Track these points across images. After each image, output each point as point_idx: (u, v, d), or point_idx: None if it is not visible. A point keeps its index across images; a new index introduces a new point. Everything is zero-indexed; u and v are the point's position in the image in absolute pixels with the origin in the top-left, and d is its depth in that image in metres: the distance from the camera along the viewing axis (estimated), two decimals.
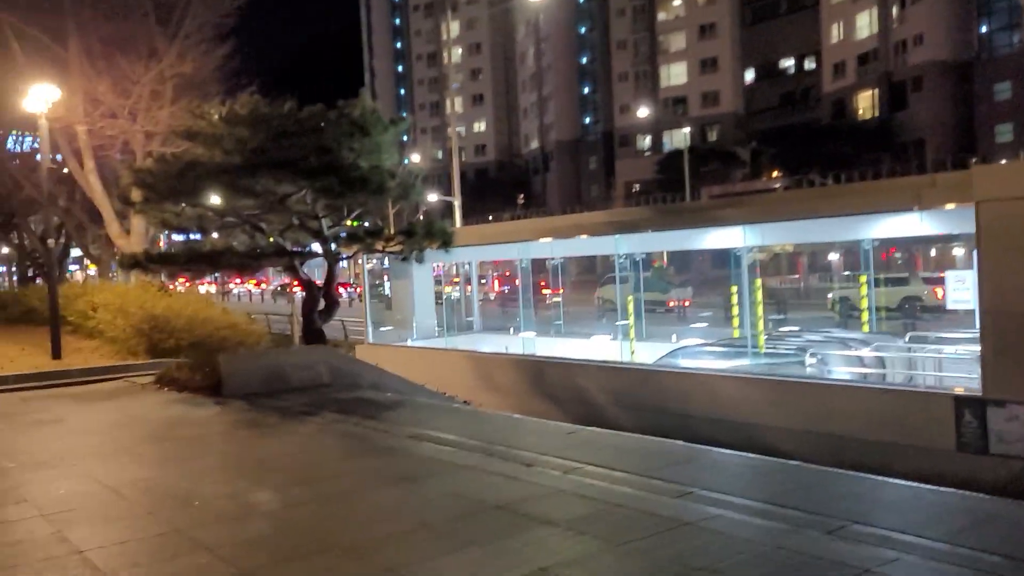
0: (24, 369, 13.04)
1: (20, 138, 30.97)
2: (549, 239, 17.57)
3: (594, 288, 34.84)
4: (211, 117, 11.87)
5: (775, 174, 54.79)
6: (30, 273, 40.10)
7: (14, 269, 44.60)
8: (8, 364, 13.46)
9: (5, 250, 44.20)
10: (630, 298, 17.04)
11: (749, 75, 66.09)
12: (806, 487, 5.59)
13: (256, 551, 4.72)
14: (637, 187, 67.00)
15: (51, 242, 16.48)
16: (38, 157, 24.61)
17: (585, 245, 18.91)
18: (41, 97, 14.47)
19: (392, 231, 13.14)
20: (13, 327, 19.78)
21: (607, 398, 13.28)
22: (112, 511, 5.67)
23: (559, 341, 19.19)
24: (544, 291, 27.38)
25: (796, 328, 18.57)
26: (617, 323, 17.43)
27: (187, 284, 31.20)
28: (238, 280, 60.91)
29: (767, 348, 14.27)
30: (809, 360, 13.02)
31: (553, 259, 21.80)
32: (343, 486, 6.14)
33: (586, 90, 78.71)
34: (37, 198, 26.02)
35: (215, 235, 13.93)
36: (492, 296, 37.92)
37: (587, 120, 79.20)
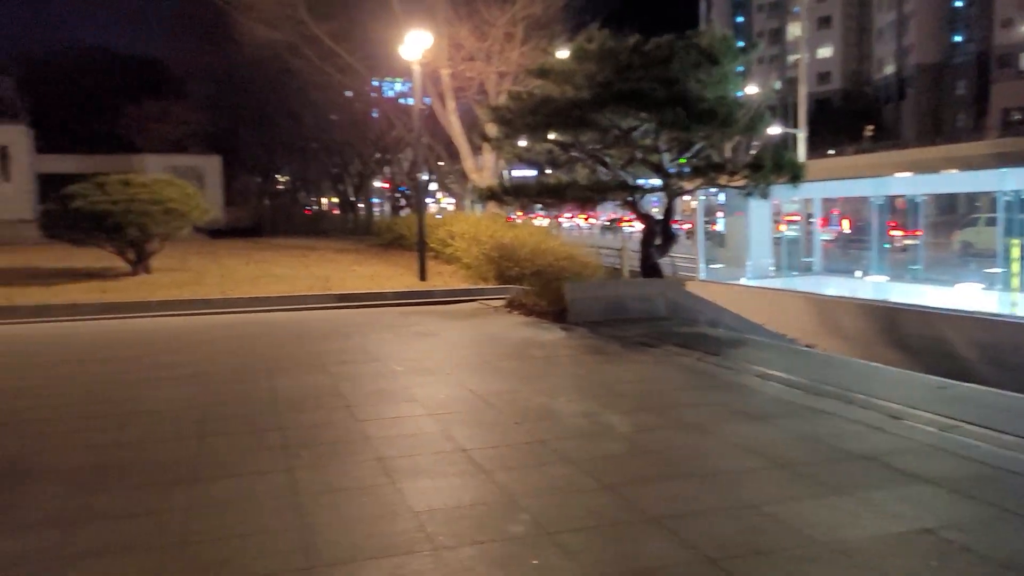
0: (398, 288, 14.89)
1: (390, 84, 34.93)
2: (909, 174, 15.83)
3: (952, 230, 30.95)
4: (561, 54, 12.30)
5: None
6: (396, 205, 45.52)
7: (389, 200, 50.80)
8: (387, 282, 15.45)
9: (379, 185, 50.50)
10: (1015, 242, 14.77)
11: None
12: None
13: (614, 469, 4.92)
14: (1018, 115, 57.59)
15: (419, 176, 18.51)
16: (406, 100, 27.42)
17: (956, 180, 16.72)
18: (415, 44, 16.06)
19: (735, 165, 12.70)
20: (386, 251, 22.66)
21: (977, 353, 11.81)
22: (484, 417, 6.27)
23: (915, 287, 17.37)
24: (893, 232, 24.86)
25: None
26: (989, 270, 15.30)
27: (523, 217, 33.32)
28: (568, 214, 63.57)
29: None
30: None
31: (906, 196, 19.64)
32: (690, 417, 6.17)
33: (958, 3, 68.74)
34: (406, 137, 29.20)
35: (550, 171, 14.55)
36: (832, 236, 35.36)
37: (956, 39, 69.36)
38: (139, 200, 16.02)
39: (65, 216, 16.16)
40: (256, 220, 38.11)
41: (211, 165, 37.57)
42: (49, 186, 32.84)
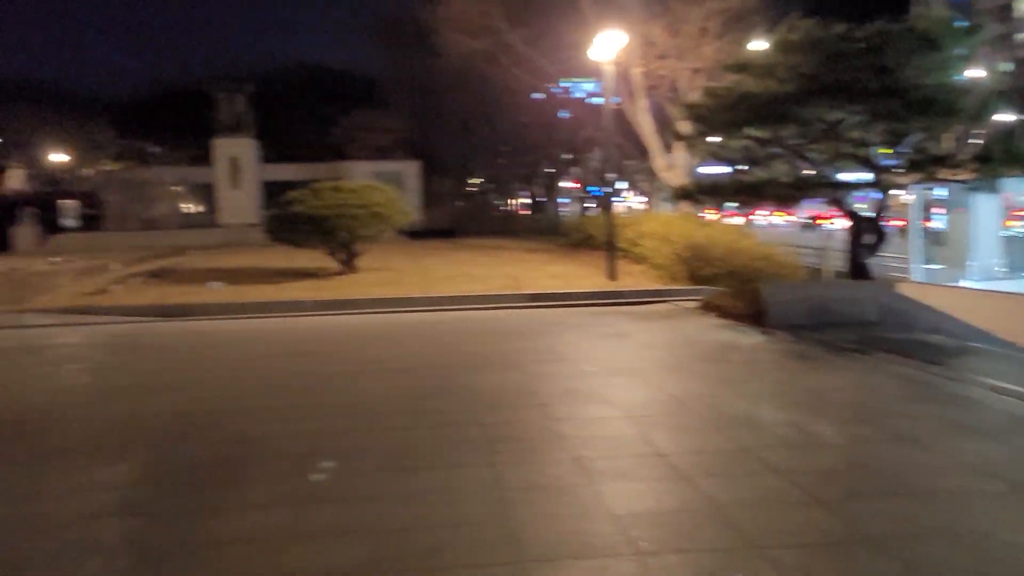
0: (588, 288, 14.93)
1: (580, 85, 35.20)
2: None
3: None
4: (757, 47, 11.79)
5: None
6: (584, 205, 45.73)
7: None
8: (576, 282, 15.54)
9: (567, 185, 51.03)
10: None
11: None
12: None
13: (825, 482, 4.66)
14: None
15: (608, 176, 18.48)
16: (595, 100, 27.44)
17: None
18: (607, 44, 16.05)
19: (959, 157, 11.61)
20: (575, 251, 22.79)
21: None
22: (682, 420, 6.15)
23: None
24: None
25: None
26: None
27: (715, 214, 32.37)
28: (763, 212, 60.99)
29: None
30: None
31: None
32: (909, 430, 5.71)
33: None
34: (595, 137, 29.28)
35: (746, 167, 13.96)
36: None
37: None
38: (348, 205, 17.17)
39: (286, 220, 17.63)
40: (451, 221, 39.69)
41: (410, 170, 39.57)
42: (271, 193, 36.02)
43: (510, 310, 13.53)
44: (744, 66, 12.33)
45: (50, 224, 36.47)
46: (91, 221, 39.52)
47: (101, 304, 14.94)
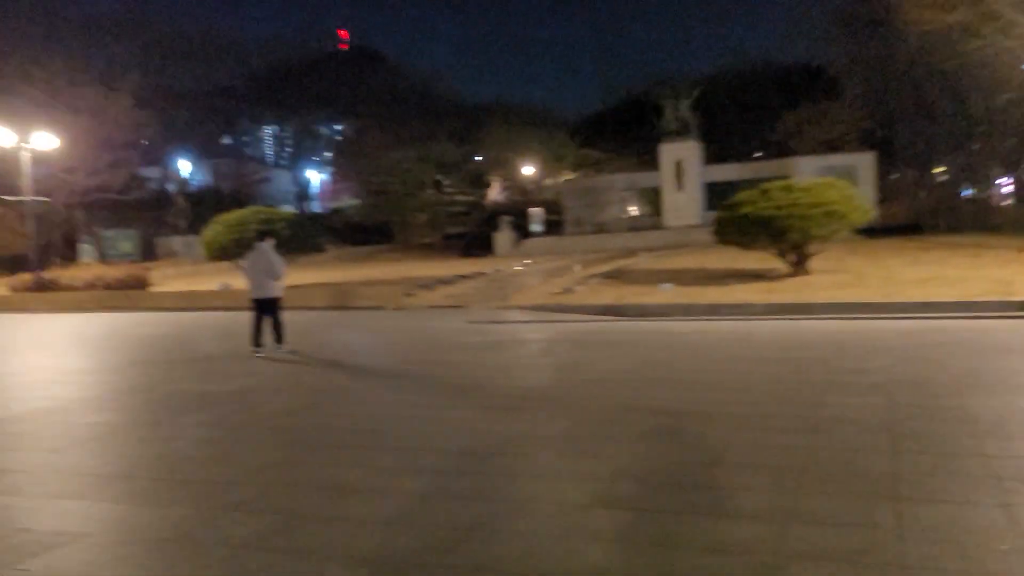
0: None
1: None
2: None
3: None
4: None
5: None
6: None
7: None
8: None
9: None
10: None
11: None
12: None
13: None
14: None
15: None
16: None
17: None
18: None
19: None
20: None
21: None
22: None
23: None
24: None
25: None
26: None
27: None
28: None
29: None
30: None
31: None
32: None
33: None
34: None
35: None
36: None
37: None
38: (800, 204, 16.49)
39: (734, 221, 17.58)
40: (913, 216, 35.92)
41: (864, 162, 36.64)
42: (713, 193, 36.31)
43: (997, 320, 11.74)
44: None
45: (521, 230, 41.49)
46: (553, 226, 44.02)
47: (566, 303, 16.49)
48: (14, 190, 34.56)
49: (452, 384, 8.93)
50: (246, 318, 12.32)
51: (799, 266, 17.37)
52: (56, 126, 30.77)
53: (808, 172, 32.41)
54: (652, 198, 40.85)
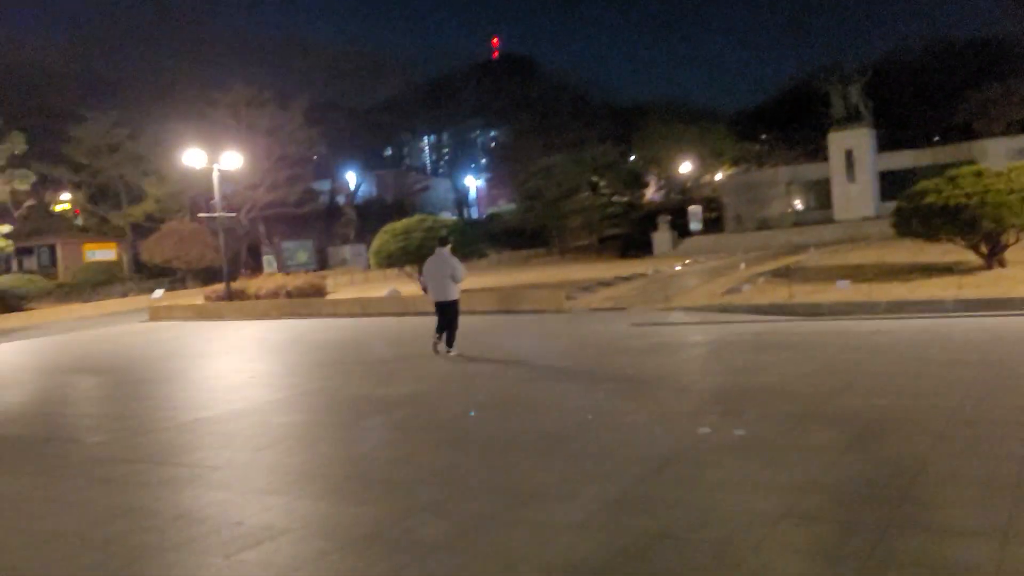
0: None
1: None
2: None
3: None
4: None
5: None
6: None
7: None
8: None
9: None
10: None
11: None
12: None
13: None
14: None
15: None
16: None
17: None
18: None
19: None
20: None
21: None
22: None
23: None
24: None
25: None
26: None
27: None
28: None
29: None
30: None
31: None
32: None
33: None
34: None
35: None
36: None
37: None
38: (994, 190, 15.15)
39: (916, 212, 16.40)
40: None
41: None
42: (888, 183, 34.07)
43: None
44: None
45: (679, 229, 40.68)
46: (712, 224, 42.86)
47: (732, 303, 15.96)
48: (206, 207, 37.75)
49: (623, 389, 8.85)
50: (415, 323, 12.81)
51: (993, 258, 15.96)
52: (239, 146, 33.34)
53: (998, 155, 29.80)
54: (820, 191, 38.90)
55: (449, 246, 12.66)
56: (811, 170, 40.09)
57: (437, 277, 12.34)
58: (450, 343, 12.26)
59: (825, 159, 37.82)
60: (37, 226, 49.95)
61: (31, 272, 42.43)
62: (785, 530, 4.32)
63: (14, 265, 45.59)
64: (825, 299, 14.79)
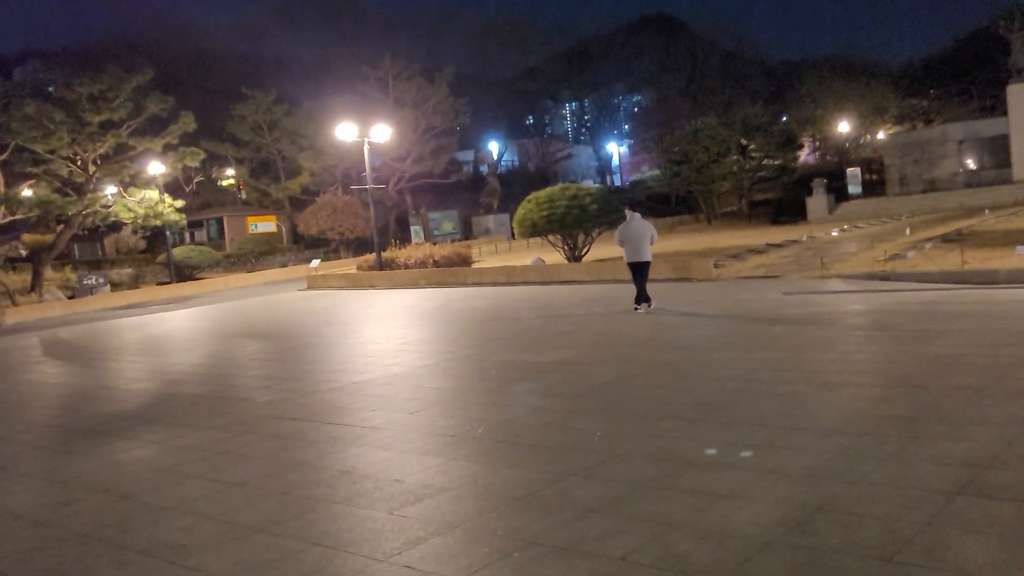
0: None
1: None
2: None
3: None
4: None
5: None
6: None
7: None
8: None
9: None
10: None
11: None
12: None
13: None
14: None
15: None
16: None
17: None
18: None
19: None
20: None
21: None
22: None
23: None
24: None
25: None
26: None
27: None
28: None
29: None
30: None
31: None
32: None
33: None
34: None
35: None
36: None
37: None
38: None
39: None
40: None
41: None
42: None
43: None
44: None
45: (836, 192, 38.58)
46: (872, 187, 40.34)
47: (896, 271, 15.01)
48: (357, 180, 39.27)
49: (778, 358, 8.54)
50: (560, 291, 12.89)
51: None
52: (387, 119, 34.42)
53: None
54: (996, 149, 35.73)
55: (637, 210, 13.52)
56: (987, 126, 36.83)
57: (635, 239, 12.98)
58: (647, 299, 13.03)
59: (1003, 114, 34.61)
60: (206, 200, 53.82)
61: (201, 244, 45.84)
62: (961, 507, 4.04)
63: (187, 237, 49.40)
64: (1003, 266, 13.63)
